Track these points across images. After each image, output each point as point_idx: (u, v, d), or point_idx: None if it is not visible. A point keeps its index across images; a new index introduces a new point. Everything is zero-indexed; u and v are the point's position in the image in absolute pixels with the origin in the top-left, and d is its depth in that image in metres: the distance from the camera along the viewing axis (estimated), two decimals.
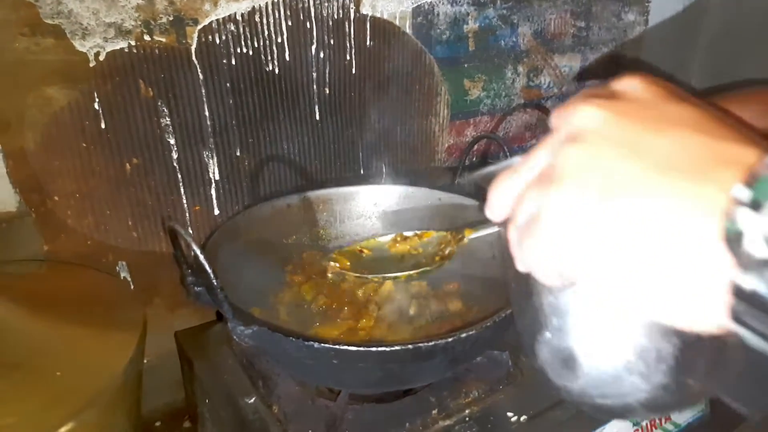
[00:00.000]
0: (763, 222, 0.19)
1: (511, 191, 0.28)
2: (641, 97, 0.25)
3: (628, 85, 0.26)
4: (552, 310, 0.30)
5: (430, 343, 0.44)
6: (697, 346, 0.26)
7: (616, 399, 0.29)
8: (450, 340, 0.44)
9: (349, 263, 0.64)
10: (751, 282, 0.20)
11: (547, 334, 0.31)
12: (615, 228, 0.23)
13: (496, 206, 0.29)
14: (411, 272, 0.57)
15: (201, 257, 0.43)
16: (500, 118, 0.93)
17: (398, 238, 0.67)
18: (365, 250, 0.67)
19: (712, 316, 0.22)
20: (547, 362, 0.31)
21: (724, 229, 0.20)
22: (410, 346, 0.44)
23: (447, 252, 0.61)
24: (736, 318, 0.21)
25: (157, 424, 0.77)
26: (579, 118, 0.25)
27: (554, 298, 0.30)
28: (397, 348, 0.44)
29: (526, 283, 0.31)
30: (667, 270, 0.22)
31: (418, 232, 0.69)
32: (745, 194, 0.20)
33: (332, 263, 0.63)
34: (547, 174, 0.26)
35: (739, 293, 0.20)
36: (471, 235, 0.61)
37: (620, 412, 0.30)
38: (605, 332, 0.29)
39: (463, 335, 0.45)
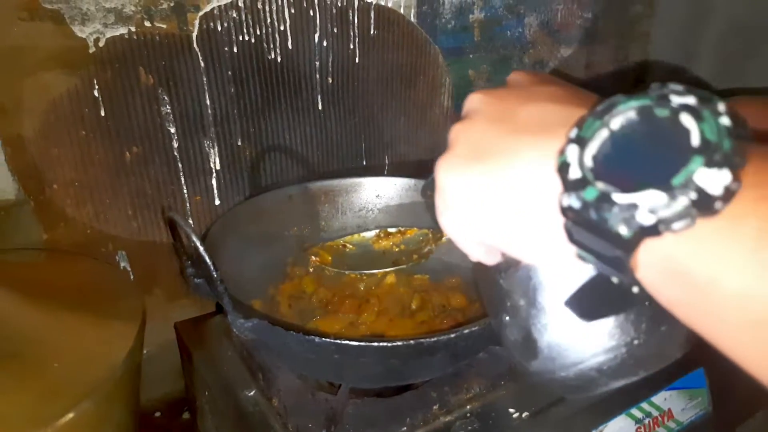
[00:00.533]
0: (580, 153, 0.23)
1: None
2: (519, 84, 0.30)
3: (514, 76, 0.32)
4: (504, 292, 0.32)
5: (432, 339, 0.43)
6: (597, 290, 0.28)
7: (572, 369, 0.30)
8: (452, 335, 0.44)
9: (330, 258, 0.64)
10: (567, 200, 0.23)
11: (506, 316, 0.32)
12: (486, 184, 0.27)
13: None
14: (387, 270, 0.58)
15: (201, 249, 0.43)
16: None
17: (381, 234, 0.68)
18: (348, 246, 0.67)
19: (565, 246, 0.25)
20: (511, 345, 0.33)
21: (557, 162, 0.24)
22: (412, 342, 0.43)
23: (425, 250, 0.62)
24: (571, 238, 0.24)
25: (157, 414, 0.77)
26: (468, 102, 0.30)
27: (503, 279, 0.32)
28: (399, 343, 0.43)
29: (482, 272, 0.33)
30: (527, 212, 0.26)
31: (402, 229, 0.69)
32: (574, 133, 0.24)
33: (313, 257, 0.63)
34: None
35: (564, 211, 0.23)
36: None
37: (585, 385, 0.31)
38: (549, 303, 0.30)
39: (466, 331, 0.44)
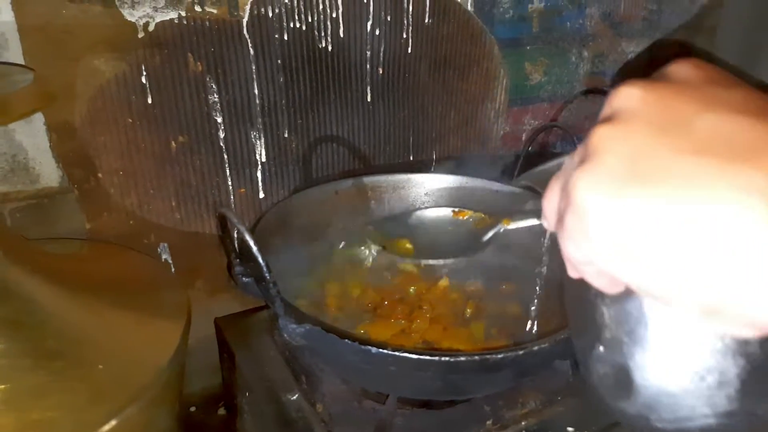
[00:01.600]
0: None
1: (558, 192, 0.26)
2: (688, 80, 0.24)
3: (677, 68, 0.25)
4: (605, 321, 0.27)
5: (499, 356, 0.40)
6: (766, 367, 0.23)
7: (674, 424, 0.26)
8: (521, 352, 0.40)
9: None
10: None
11: (601, 348, 0.28)
12: (653, 215, 0.21)
13: (547, 212, 0.27)
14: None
15: (255, 249, 0.40)
16: (561, 106, 0.87)
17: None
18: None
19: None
20: (600, 379, 0.29)
21: None
22: (477, 358, 0.40)
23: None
24: None
25: (192, 409, 0.76)
26: (618, 98, 0.23)
27: (607, 307, 0.27)
28: (462, 359, 0.40)
29: (579, 290, 0.28)
30: (716, 265, 0.20)
31: (456, 209, 0.66)
32: None
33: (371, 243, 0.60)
34: (581, 159, 0.24)
35: None
36: (510, 225, 0.58)
37: None
38: (663, 348, 0.26)
39: (535, 348, 0.41)
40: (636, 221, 0.21)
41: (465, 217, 0.66)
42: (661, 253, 0.21)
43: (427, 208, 0.65)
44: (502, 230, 0.59)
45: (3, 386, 0.36)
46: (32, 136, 0.57)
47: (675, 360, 0.25)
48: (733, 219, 0.19)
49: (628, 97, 0.23)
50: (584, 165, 0.22)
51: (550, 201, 0.27)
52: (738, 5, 0.96)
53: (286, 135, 0.69)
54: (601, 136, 0.23)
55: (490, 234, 0.55)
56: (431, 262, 0.59)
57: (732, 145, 0.20)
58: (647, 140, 0.22)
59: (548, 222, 0.27)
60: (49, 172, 0.59)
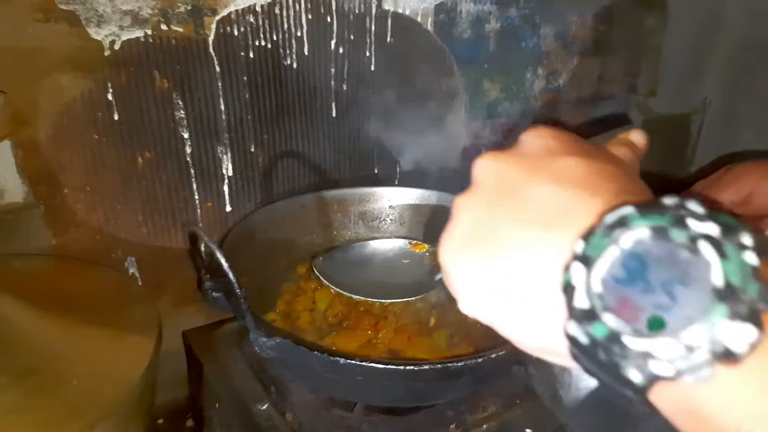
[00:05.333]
0: (587, 276, 0.21)
1: None
2: (534, 150, 0.27)
3: (525, 137, 0.28)
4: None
5: (460, 363, 0.43)
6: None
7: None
8: (480, 360, 0.43)
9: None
10: (573, 329, 0.21)
11: (532, 369, 0.34)
12: (483, 275, 0.25)
13: None
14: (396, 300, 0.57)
15: (225, 266, 0.42)
16: (516, 121, 0.91)
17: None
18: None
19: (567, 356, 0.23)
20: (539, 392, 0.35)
21: (561, 280, 0.22)
22: (439, 366, 0.42)
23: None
24: (575, 359, 0.22)
25: (160, 421, 0.76)
26: (475, 168, 0.28)
27: None
28: (426, 367, 0.42)
29: None
30: (529, 314, 0.24)
31: (412, 242, 0.66)
32: (580, 249, 0.21)
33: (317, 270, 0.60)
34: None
35: (569, 339, 0.22)
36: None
37: None
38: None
39: (493, 355, 0.44)
40: (474, 280, 0.25)
41: (422, 251, 0.66)
42: (495, 306, 0.25)
43: (383, 238, 0.65)
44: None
45: None
46: None
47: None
48: (539, 275, 0.23)
49: (480, 168, 0.28)
50: (446, 230, 0.27)
51: None
52: (681, 27, 1.02)
53: (252, 149, 0.71)
54: (457, 204, 0.27)
55: (441, 274, 0.57)
56: (381, 301, 0.58)
57: (546, 216, 0.24)
58: (485, 208, 0.26)
59: None
60: (13, 188, 0.59)
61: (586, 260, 0.21)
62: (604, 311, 0.20)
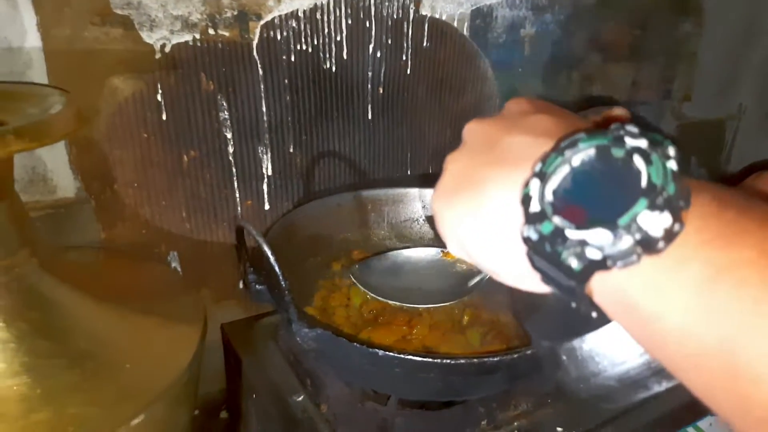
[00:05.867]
0: (542, 188, 0.24)
1: None
2: (512, 113, 0.31)
3: (507, 104, 0.33)
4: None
5: (495, 359, 0.44)
6: None
7: (593, 380, 0.33)
8: (515, 356, 0.44)
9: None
10: (526, 231, 0.25)
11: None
12: (465, 214, 0.28)
13: None
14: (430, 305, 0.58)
15: (272, 259, 0.44)
16: None
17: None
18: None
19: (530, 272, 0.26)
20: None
21: (521, 194, 0.25)
22: (475, 360, 0.44)
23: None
24: (533, 266, 0.25)
25: (195, 412, 0.78)
26: (464, 132, 0.32)
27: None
28: (462, 361, 0.44)
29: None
30: (501, 240, 0.27)
31: (444, 250, 0.66)
32: (539, 168, 0.25)
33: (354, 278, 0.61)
34: None
35: (524, 241, 0.25)
36: None
37: (610, 395, 0.33)
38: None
39: (528, 352, 0.45)
40: (460, 220, 0.29)
41: (453, 259, 0.65)
42: (475, 240, 0.28)
43: (415, 247, 0.66)
44: (486, 278, 0.58)
45: (43, 383, 0.39)
46: (51, 149, 0.60)
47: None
48: (501, 207, 0.27)
49: (467, 129, 0.32)
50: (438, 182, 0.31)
51: None
52: (717, 33, 1.01)
53: (291, 150, 0.73)
54: (447, 159, 0.31)
55: (475, 280, 0.57)
56: (416, 306, 0.59)
57: (516, 157, 0.27)
58: (467, 160, 0.30)
59: None
60: (65, 184, 0.62)
61: (542, 176, 0.25)
62: (553, 214, 0.24)
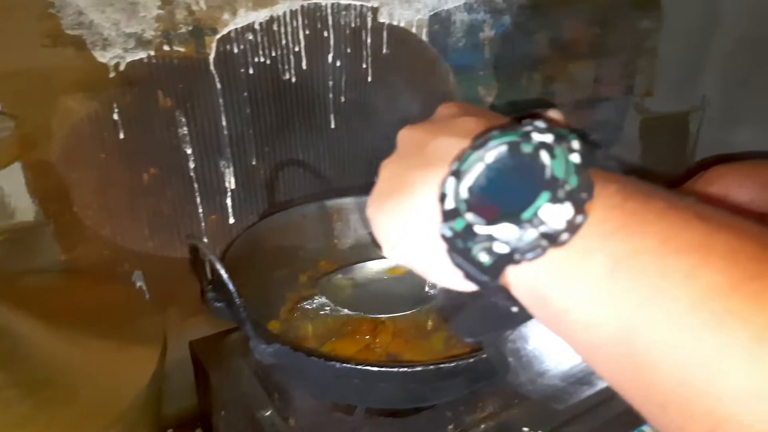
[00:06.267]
0: (457, 185, 0.25)
1: None
2: (439, 117, 0.32)
3: (440, 109, 0.33)
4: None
5: (453, 364, 0.44)
6: None
7: (540, 380, 0.34)
8: (471, 360, 0.45)
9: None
10: (442, 228, 0.25)
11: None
12: (395, 218, 0.29)
13: None
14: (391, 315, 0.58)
15: (225, 276, 0.44)
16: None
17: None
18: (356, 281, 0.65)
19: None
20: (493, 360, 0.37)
21: (438, 193, 0.26)
22: (432, 367, 0.44)
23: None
24: (453, 263, 0.25)
25: (170, 431, 0.78)
26: (397, 138, 0.32)
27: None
28: (419, 368, 0.44)
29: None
30: (427, 241, 0.27)
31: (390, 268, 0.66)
32: (455, 166, 0.26)
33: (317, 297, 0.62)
34: None
35: (443, 239, 0.25)
36: None
37: (557, 395, 0.35)
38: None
39: (485, 355, 0.45)
40: (391, 224, 0.29)
41: (400, 273, 0.66)
42: (405, 242, 0.29)
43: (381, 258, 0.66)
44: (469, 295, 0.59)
45: None
46: (8, 173, 0.60)
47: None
48: (426, 208, 0.27)
49: (399, 137, 0.32)
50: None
51: None
52: (676, 27, 1.03)
53: (254, 162, 0.73)
54: (381, 166, 0.32)
55: (437, 287, 0.58)
56: (380, 316, 0.59)
57: (441, 158, 0.27)
58: (398, 164, 0.30)
59: None
60: (24, 207, 0.61)
61: (458, 174, 0.25)
62: (466, 211, 0.24)
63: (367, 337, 0.57)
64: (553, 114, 0.35)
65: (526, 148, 0.24)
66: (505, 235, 0.23)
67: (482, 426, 0.56)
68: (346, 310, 0.58)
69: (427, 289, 0.61)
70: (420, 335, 0.58)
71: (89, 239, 0.65)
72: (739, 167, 0.52)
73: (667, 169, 1.13)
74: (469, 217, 0.24)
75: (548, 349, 0.33)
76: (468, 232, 0.24)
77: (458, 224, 0.24)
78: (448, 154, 0.27)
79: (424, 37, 0.80)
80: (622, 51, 1.00)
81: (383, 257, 0.64)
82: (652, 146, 1.10)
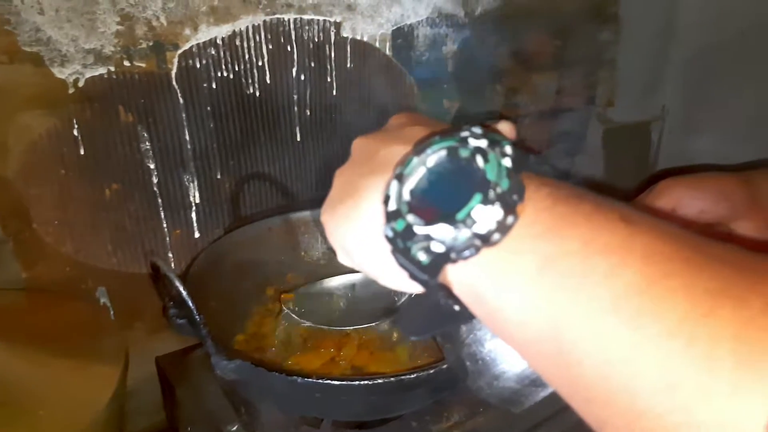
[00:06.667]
0: (399, 188, 0.26)
1: None
2: (392, 126, 0.33)
3: (392, 120, 0.35)
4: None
5: (413, 375, 0.45)
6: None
7: (496, 383, 0.36)
8: (432, 371, 0.45)
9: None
10: (385, 229, 0.26)
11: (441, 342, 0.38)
12: (345, 223, 0.29)
13: None
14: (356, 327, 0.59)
15: (184, 293, 0.44)
16: None
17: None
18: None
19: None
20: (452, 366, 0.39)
21: (383, 196, 0.27)
22: (392, 379, 0.44)
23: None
24: (397, 263, 0.26)
25: None
26: (352, 147, 0.33)
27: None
28: (379, 381, 0.44)
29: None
30: (374, 243, 0.28)
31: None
32: (399, 170, 0.27)
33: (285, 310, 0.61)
34: None
35: (386, 239, 0.26)
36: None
37: (514, 397, 0.36)
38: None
39: (445, 366, 0.46)
40: (342, 229, 0.30)
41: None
42: (355, 246, 0.30)
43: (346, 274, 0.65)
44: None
45: None
46: None
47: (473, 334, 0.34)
48: (373, 213, 0.27)
49: (353, 146, 0.33)
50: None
51: None
52: (634, 38, 1.06)
53: (218, 176, 0.73)
54: (335, 174, 0.33)
55: (404, 298, 0.58)
56: (345, 329, 0.60)
57: (388, 164, 0.28)
58: (349, 172, 0.32)
59: None
60: None
61: (400, 177, 0.26)
62: (407, 213, 0.25)
63: (332, 350, 0.57)
64: (503, 125, 0.37)
65: (464, 153, 0.25)
66: (441, 234, 0.24)
67: None
68: (311, 324, 0.58)
69: (395, 299, 0.61)
70: (385, 347, 0.59)
71: (50, 256, 0.64)
72: (689, 180, 0.54)
73: (630, 177, 1.16)
74: (410, 218, 0.25)
75: (503, 352, 0.34)
76: (408, 232, 0.25)
77: (399, 225, 0.25)
78: (394, 160, 0.28)
79: (388, 51, 0.81)
80: (583, 62, 1.02)
81: (349, 268, 0.64)
82: (614, 155, 1.13)
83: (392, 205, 0.26)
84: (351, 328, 0.58)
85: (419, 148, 0.27)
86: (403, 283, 0.28)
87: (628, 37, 1.05)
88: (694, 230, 0.23)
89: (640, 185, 1.11)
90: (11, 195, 0.60)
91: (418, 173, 0.26)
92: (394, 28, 0.80)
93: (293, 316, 0.59)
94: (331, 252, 0.32)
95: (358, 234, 0.29)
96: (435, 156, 0.26)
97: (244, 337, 0.62)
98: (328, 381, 0.44)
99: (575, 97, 1.04)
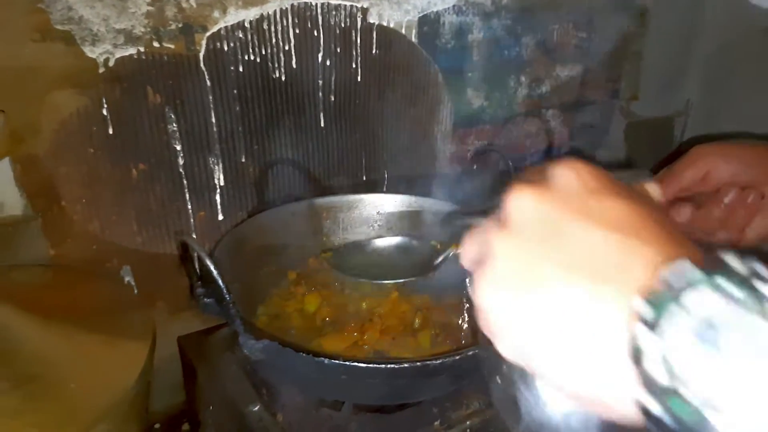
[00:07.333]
0: (661, 344, 0.20)
1: (475, 247, 0.30)
2: (571, 188, 0.26)
3: (561, 173, 0.27)
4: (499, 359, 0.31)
5: (438, 361, 0.45)
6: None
7: None
8: (457, 357, 0.45)
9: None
10: (656, 408, 0.20)
11: (498, 379, 0.33)
12: (536, 319, 0.24)
13: (465, 260, 0.31)
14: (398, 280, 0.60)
15: (215, 273, 0.44)
16: (501, 127, 0.94)
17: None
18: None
19: (628, 417, 0.22)
20: (497, 401, 0.36)
21: (629, 346, 0.21)
22: (418, 364, 0.45)
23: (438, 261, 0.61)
24: (649, 421, 0.21)
25: (156, 426, 0.78)
26: (511, 206, 0.27)
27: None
28: (405, 365, 0.45)
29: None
30: (583, 357, 0.23)
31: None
32: (644, 310, 0.21)
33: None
34: (484, 253, 0.27)
35: (646, 414, 0.20)
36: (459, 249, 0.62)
37: None
38: (538, 391, 0.31)
39: (470, 353, 0.46)
40: (517, 320, 0.25)
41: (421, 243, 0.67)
42: (540, 348, 0.25)
43: (382, 237, 0.68)
44: (451, 254, 0.58)
45: None
46: None
47: (549, 399, 0.31)
48: (590, 328, 0.23)
49: (516, 207, 0.26)
50: (485, 266, 0.26)
51: (468, 252, 0.30)
52: (661, 32, 1.05)
53: (243, 160, 0.73)
54: (494, 245, 0.26)
55: (441, 258, 0.59)
56: (384, 282, 0.62)
57: (597, 265, 0.23)
58: (530, 250, 0.25)
59: (467, 265, 0.31)
60: (12, 202, 0.61)
61: (653, 325, 0.20)
62: (682, 385, 0.19)
63: (355, 334, 0.57)
64: (653, 190, 0.30)
65: (753, 305, 0.19)
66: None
67: (467, 423, 0.57)
68: (353, 278, 0.59)
69: (434, 259, 0.61)
70: (407, 332, 0.59)
71: (77, 234, 0.65)
72: (721, 147, 0.55)
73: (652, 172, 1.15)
74: (695, 400, 0.18)
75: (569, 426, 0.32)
76: (701, 421, 0.18)
77: (680, 408, 0.19)
78: (606, 260, 0.23)
79: (414, 39, 0.81)
80: (607, 55, 1.01)
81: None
82: (636, 150, 1.12)
83: (658, 372, 0.19)
84: (391, 281, 0.58)
85: (674, 284, 0.20)
86: (610, 412, 0.23)
87: (653, 30, 1.04)
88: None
89: (669, 155, 1.11)
90: (41, 173, 0.61)
91: (681, 324, 0.19)
92: (421, 15, 0.79)
93: (337, 271, 0.60)
94: (476, 331, 0.29)
95: (550, 339, 0.24)
96: (704, 300, 0.19)
97: (267, 319, 0.62)
98: (355, 363, 0.44)
99: (599, 89, 1.03)
